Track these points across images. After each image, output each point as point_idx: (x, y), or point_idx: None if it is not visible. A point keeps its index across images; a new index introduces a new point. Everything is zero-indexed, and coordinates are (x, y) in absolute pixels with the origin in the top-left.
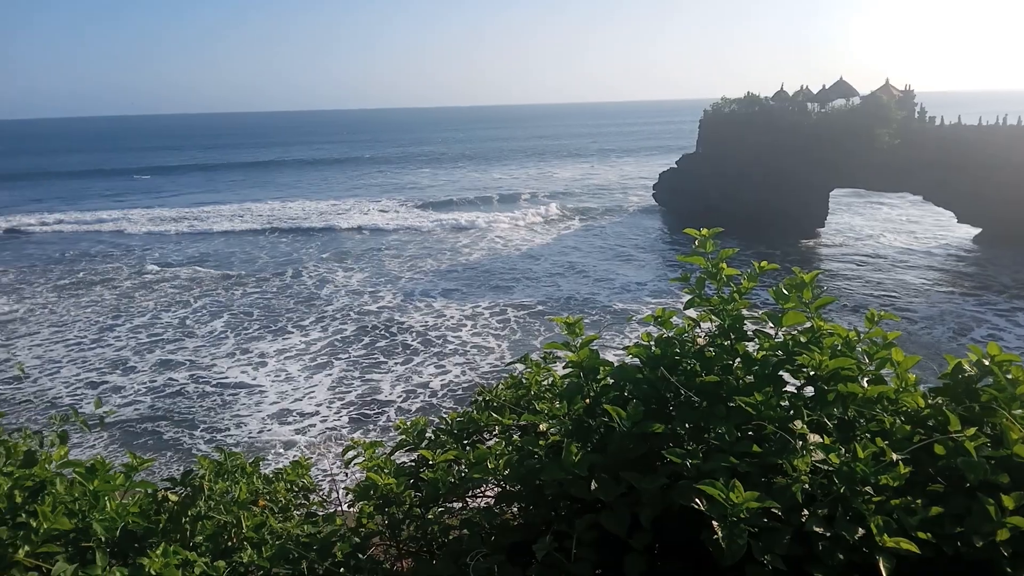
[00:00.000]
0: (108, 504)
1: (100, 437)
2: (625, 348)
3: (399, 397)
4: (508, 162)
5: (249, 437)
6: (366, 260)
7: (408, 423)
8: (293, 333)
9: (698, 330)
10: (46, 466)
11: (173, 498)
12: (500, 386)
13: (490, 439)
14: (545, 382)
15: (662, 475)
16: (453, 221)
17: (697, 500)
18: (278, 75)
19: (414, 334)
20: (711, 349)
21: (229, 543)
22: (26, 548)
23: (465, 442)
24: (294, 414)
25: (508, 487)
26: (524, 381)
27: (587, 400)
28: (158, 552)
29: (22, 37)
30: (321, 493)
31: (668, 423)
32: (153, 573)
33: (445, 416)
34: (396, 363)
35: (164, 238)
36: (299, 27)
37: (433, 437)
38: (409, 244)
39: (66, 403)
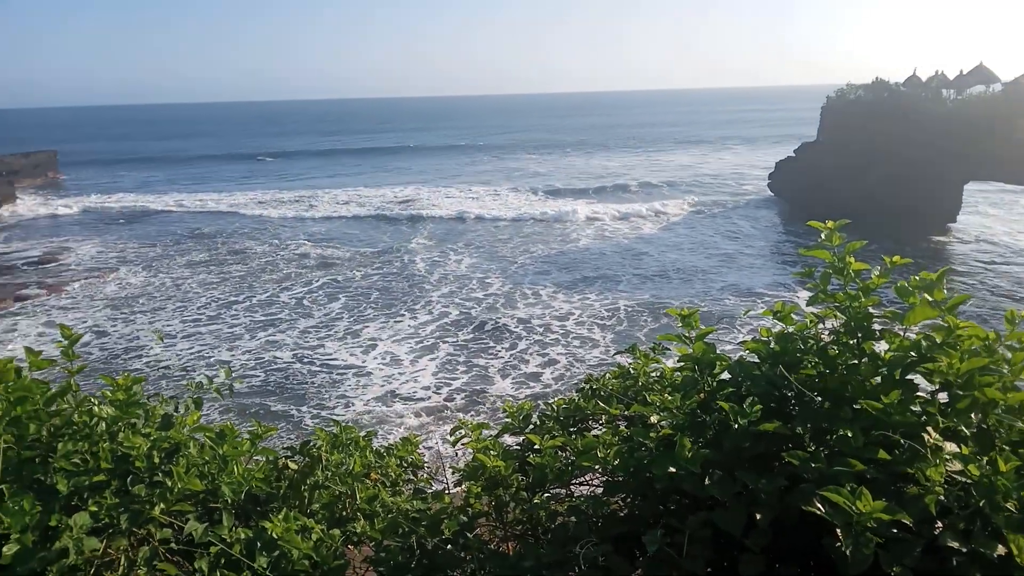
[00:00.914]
0: (236, 468)
1: (213, 406)
2: (742, 343)
3: (503, 382)
4: (617, 149)
5: (355, 415)
6: (476, 246)
7: (514, 407)
8: (403, 317)
9: (821, 327)
10: (180, 430)
11: (293, 466)
12: (607, 375)
13: (596, 428)
14: (654, 374)
15: (781, 476)
16: (563, 209)
17: (819, 506)
18: (396, 62)
19: (519, 321)
20: (834, 347)
21: (343, 513)
22: (161, 506)
23: (571, 429)
24: (400, 395)
25: (615, 477)
26: (632, 372)
27: (702, 395)
28: (279, 517)
29: (168, 27)
30: (428, 470)
31: (788, 423)
32: (275, 536)
33: (550, 402)
34: (501, 349)
35: (288, 220)
36: (407, 15)
37: (538, 423)
38: (519, 231)
39: (176, 375)
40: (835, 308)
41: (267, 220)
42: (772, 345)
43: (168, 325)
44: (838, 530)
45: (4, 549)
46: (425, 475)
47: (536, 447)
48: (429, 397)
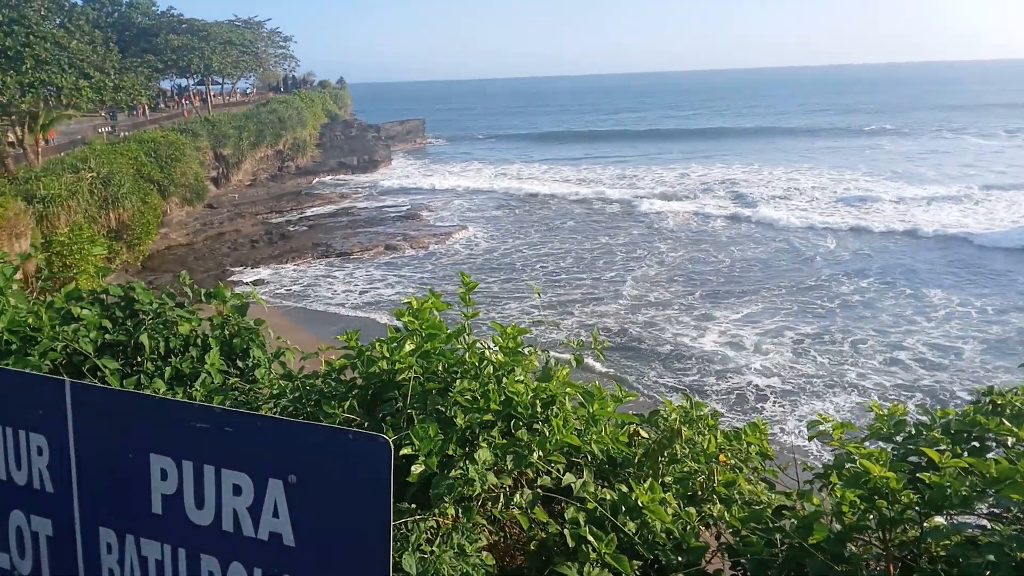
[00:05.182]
0: (604, 428)
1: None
2: None
3: (860, 380)
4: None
5: (698, 392)
6: (854, 235)
7: (885, 410)
8: (756, 302)
9: None
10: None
11: (644, 434)
12: (1018, 391)
13: (993, 450)
14: None
15: None
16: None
17: None
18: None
19: (889, 316)
20: None
21: (698, 493)
22: (539, 453)
23: (962, 447)
24: (744, 375)
25: None
26: None
27: None
28: (645, 486)
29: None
30: (777, 462)
31: None
32: (639, 503)
33: (930, 410)
34: (856, 341)
35: (644, 210)
36: None
37: (913, 431)
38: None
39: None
40: None
41: (619, 200)
42: None
43: (492, 284)
44: None
45: (412, 468)
46: (774, 466)
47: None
48: (775, 382)
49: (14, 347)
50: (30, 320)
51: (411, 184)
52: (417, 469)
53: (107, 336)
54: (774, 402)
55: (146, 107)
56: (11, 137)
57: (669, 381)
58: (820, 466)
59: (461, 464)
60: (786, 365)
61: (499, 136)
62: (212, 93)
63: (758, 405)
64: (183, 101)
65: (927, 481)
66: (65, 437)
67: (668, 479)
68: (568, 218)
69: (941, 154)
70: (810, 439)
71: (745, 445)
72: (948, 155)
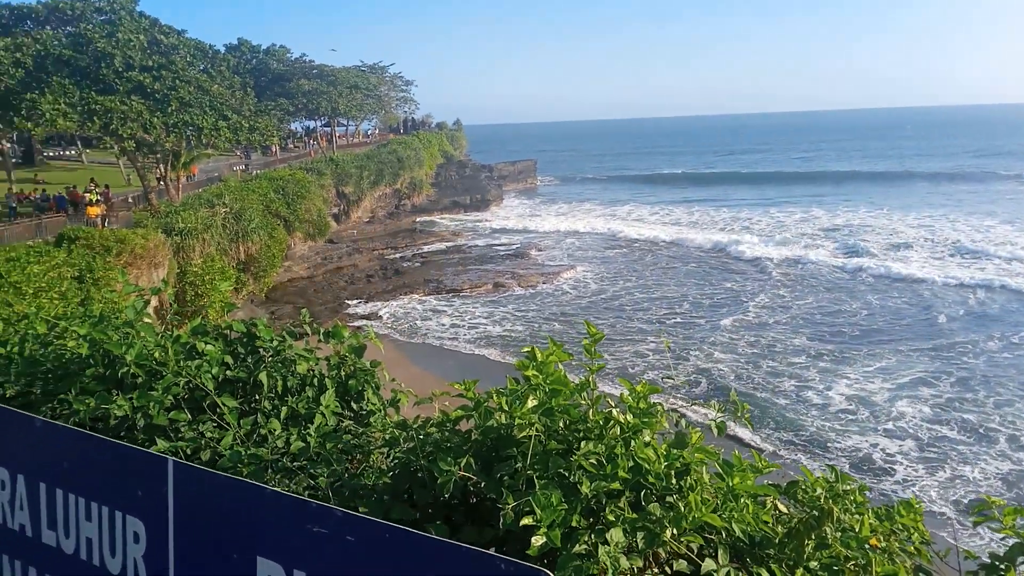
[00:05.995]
0: (749, 505)
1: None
2: None
3: (1010, 447)
4: None
5: (821, 447)
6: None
7: None
8: (887, 356)
9: None
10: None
11: (781, 508)
12: None
13: None
14: None
15: None
16: None
17: None
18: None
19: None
20: None
21: None
22: (673, 531)
23: None
24: (875, 439)
25: None
26: None
27: None
28: (798, 574)
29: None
30: (935, 549)
31: None
32: None
33: None
34: (1014, 406)
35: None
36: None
37: None
38: None
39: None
40: None
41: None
42: None
43: (603, 327)
44: None
45: (533, 540)
46: (931, 551)
47: None
48: (909, 444)
49: (140, 381)
50: (157, 354)
51: (521, 223)
52: (538, 542)
53: (228, 372)
54: (906, 466)
55: (277, 147)
56: (157, 174)
57: (786, 435)
58: (972, 547)
59: (586, 539)
60: (922, 425)
61: (612, 177)
62: (337, 134)
63: (888, 467)
64: (310, 142)
65: None
66: (164, 524)
67: (814, 564)
68: (681, 261)
69: None
70: (976, 525)
71: (901, 528)
72: None
